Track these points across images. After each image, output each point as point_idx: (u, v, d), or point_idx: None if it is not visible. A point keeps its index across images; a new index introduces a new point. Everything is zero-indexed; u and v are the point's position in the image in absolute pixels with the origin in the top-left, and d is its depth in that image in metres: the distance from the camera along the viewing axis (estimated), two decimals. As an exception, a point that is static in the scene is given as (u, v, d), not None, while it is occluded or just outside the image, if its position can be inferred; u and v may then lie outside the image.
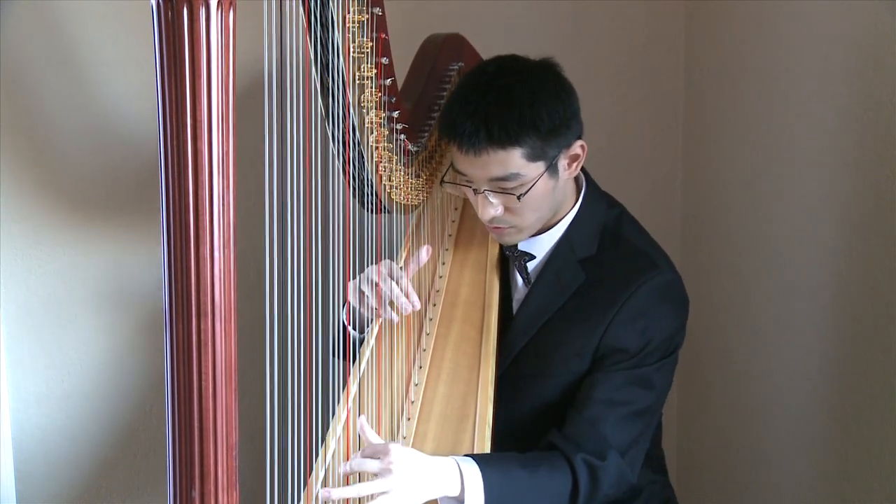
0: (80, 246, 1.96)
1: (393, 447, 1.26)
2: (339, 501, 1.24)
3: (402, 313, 1.44)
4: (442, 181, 1.53)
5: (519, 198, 1.40)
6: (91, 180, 1.94)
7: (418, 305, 1.44)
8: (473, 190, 1.44)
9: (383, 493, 1.23)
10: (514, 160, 1.37)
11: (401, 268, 1.47)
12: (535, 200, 1.42)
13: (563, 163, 1.43)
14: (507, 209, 1.43)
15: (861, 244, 1.58)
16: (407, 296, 1.42)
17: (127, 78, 1.91)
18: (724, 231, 2.04)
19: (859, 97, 1.56)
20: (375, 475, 1.25)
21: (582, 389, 1.43)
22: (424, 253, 1.48)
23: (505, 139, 1.36)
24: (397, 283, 1.42)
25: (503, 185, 1.40)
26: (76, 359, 1.98)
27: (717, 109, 2.06)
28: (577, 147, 1.44)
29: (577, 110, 1.43)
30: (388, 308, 1.43)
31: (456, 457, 1.30)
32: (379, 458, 1.25)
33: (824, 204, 1.68)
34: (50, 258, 1.94)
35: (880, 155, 1.52)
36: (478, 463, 1.30)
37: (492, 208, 1.42)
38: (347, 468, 1.27)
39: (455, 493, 1.28)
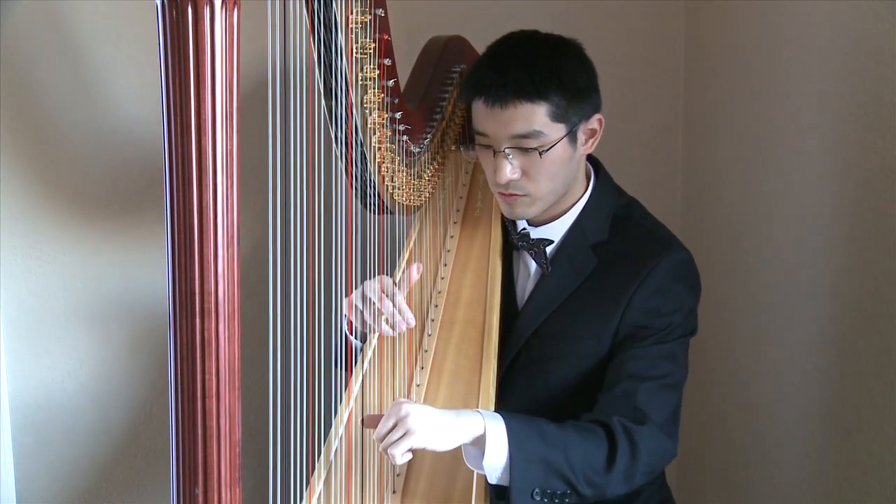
0: (80, 246, 1.96)
1: (402, 399, 1.26)
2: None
3: (396, 330, 1.42)
4: (459, 147, 1.54)
5: (540, 154, 1.40)
6: (92, 181, 1.94)
7: (413, 323, 1.42)
8: (493, 152, 1.44)
9: (404, 435, 1.22)
10: (539, 117, 1.39)
11: (396, 283, 1.46)
12: (552, 164, 1.43)
13: (581, 136, 1.45)
14: (524, 173, 1.43)
15: (861, 244, 1.59)
16: (402, 313, 1.42)
17: (128, 79, 1.91)
18: (723, 231, 2.05)
19: (859, 96, 1.56)
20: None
21: (609, 371, 1.43)
22: (415, 271, 1.47)
23: (533, 92, 1.38)
24: (392, 300, 1.41)
25: (524, 143, 1.41)
26: (76, 359, 1.98)
27: (717, 109, 2.06)
28: (595, 121, 1.47)
29: (597, 85, 1.47)
30: (385, 325, 1.42)
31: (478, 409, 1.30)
32: (392, 415, 1.24)
33: (824, 204, 1.68)
34: (50, 258, 1.94)
35: (880, 154, 1.52)
36: (501, 414, 1.29)
37: (510, 169, 1.43)
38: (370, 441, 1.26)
39: (479, 431, 1.25)
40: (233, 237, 0.86)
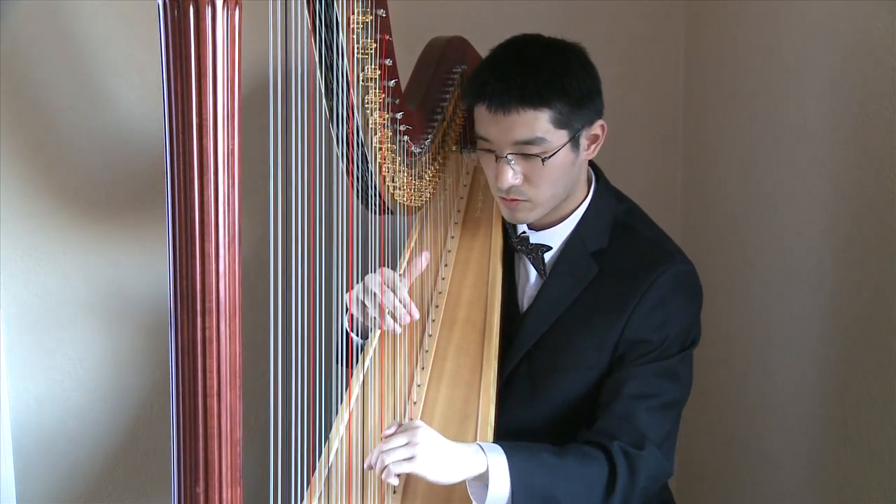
0: (80, 246, 1.96)
1: (419, 422, 1.26)
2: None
3: (401, 324, 1.44)
4: (461, 149, 1.54)
5: (543, 161, 1.40)
6: (92, 181, 1.94)
7: (417, 316, 1.44)
8: (495, 156, 1.44)
9: (408, 458, 1.22)
10: (542, 123, 1.39)
11: (401, 275, 1.47)
12: (554, 171, 1.43)
13: (584, 141, 1.45)
14: (526, 178, 1.43)
15: (861, 244, 1.59)
16: (405, 306, 1.43)
17: (128, 79, 1.91)
18: (723, 231, 2.05)
19: (859, 97, 1.56)
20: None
21: (608, 386, 1.43)
22: (423, 260, 1.49)
23: (536, 99, 1.38)
24: (396, 293, 1.42)
25: (527, 150, 1.41)
26: (76, 359, 1.98)
27: (717, 109, 2.06)
28: (597, 127, 1.46)
29: (601, 90, 1.46)
30: (389, 319, 1.43)
31: (479, 442, 1.30)
32: (406, 432, 1.25)
33: (825, 203, 1.68)
34: (50, 258, 1.94)
35: (880, 154, 1.53)
36: (502, 446, 1.29)
37: (512, 175, 1.43)
38: (376, 455, 1.25)
39: (481, 469, 1.26)
40: (234, 236, 0.86)
